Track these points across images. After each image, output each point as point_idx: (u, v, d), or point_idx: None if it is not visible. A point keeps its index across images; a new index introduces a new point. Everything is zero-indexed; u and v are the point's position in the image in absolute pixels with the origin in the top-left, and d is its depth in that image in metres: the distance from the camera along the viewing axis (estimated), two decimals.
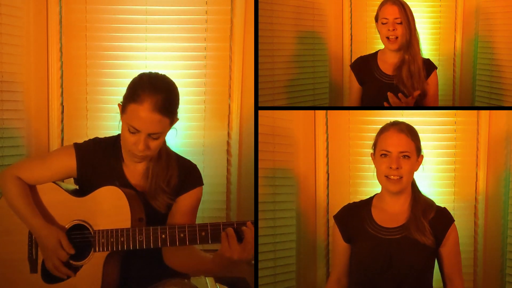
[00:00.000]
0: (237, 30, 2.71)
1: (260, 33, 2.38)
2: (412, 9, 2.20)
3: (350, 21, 2.90)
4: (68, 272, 1.78)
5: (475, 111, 2.55)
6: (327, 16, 2.88)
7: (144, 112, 1.70)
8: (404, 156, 1.83)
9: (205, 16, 2.71)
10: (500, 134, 2.52)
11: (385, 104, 2.20)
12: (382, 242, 1.85)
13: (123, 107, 1.76)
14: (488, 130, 2.53)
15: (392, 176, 1.83)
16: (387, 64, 2.27)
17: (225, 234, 1.69)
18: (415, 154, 1.86)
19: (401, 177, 1.83)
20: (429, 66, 2.25)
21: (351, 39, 2.91)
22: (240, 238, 1.69)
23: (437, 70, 2.27)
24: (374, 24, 2.27)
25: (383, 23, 2.19)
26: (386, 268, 1.82)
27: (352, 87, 2.39)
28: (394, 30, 2.17)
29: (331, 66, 2.90)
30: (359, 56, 2.39)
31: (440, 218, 1.85)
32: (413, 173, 1.88)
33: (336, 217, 1.98)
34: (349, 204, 2.00)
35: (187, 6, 2.70)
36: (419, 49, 2.22)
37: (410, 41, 2.20)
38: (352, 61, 2.53)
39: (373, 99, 2.32)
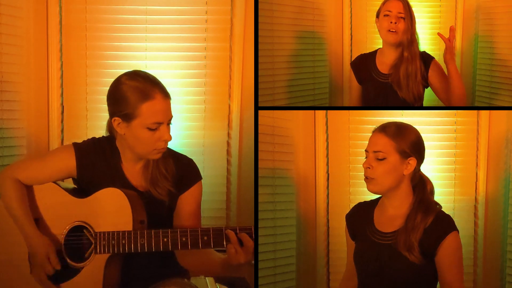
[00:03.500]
0: (237, 30, 2.70)
1: (260, 33, 2.38)
2: (416, 9, 2.21)
3: (350, 20, 2.90)
4: (51, 286, 1.79)
5: (475, 111, 2.55)
6: (327, 16, 2.88)
7: (161, 103, 1.75)
8: (378, 158, 1.77)
9: (205, 16, 2.70)
10: (500, 134, 2.52)
11: None
12: (374, 245, 1.82)
13: (128, 115, 1.75)
14: (488, 130, 2.53)
15: (367, 176, 1.79)
16: (385, 63, 2.27)
17: (229, 242, 1.71)
18: (395, 155, 1.77)
19: (374, 178, 1.77)
20: (426, 59, 2.24)
21: (351, 39, 2.90)
22: (241, 242, 1.72)
23: None
24: (374, 24, 2.27)
25: (385, 15, 2.19)
26: (377, 272, 1.80)
27: (353, 85, 2.39)
28: (396, 23, 2.17)
29: (331, 66, 2.90)
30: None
31: (435, 228, 1.75)
32: (394, 176, 1.78)
33: (347, 215, 1.97)
34: (359, 203, 1.99)
35: (187, 6, 2.69)
36: (418, 51, 2.22)
37: (411, 40, 2.20)
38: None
39: (371, 98, 2.32)
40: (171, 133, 1.81)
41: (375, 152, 1.79)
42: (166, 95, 1.79)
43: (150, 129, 1.76)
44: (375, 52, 2.34)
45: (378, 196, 1.93)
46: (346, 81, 2.81)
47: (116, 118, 1.79)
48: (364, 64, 2.33)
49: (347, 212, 1.99)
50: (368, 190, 1.82)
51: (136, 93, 1.75)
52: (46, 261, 1.77)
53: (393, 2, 2.20)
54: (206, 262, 1.89)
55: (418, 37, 2.23)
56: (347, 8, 2.89)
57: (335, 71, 2.90)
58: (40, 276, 1.79)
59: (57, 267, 1.78)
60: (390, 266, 1.78)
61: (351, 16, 2.89)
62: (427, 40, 2.67)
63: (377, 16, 2.24)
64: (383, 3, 2.23)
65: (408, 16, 2.18)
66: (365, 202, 1.98)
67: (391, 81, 2.23)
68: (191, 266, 1.94)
